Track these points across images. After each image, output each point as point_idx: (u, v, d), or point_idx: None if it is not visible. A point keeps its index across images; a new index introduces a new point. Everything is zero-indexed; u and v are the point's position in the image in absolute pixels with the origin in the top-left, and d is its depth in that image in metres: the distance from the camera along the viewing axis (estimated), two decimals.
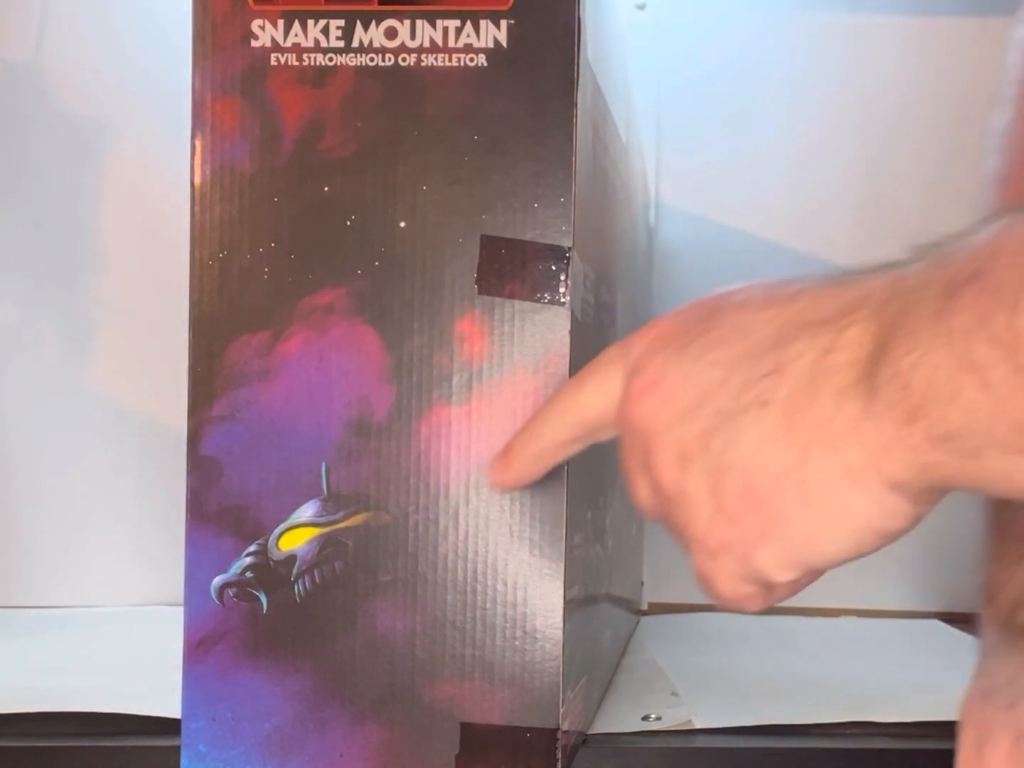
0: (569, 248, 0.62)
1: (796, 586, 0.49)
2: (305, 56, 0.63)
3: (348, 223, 0.63)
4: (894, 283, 0.43)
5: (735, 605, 0.48)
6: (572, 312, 0.62)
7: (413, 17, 0.62)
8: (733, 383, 0.45)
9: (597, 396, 0.51)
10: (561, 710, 0.63)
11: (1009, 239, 0.39)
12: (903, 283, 0.42)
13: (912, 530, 0.44)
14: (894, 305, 0.42)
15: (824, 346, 0.43)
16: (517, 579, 0.63)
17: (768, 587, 0.47)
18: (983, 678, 0.58)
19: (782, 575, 0.46)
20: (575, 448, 0.54)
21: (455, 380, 0.63)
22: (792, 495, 0.43)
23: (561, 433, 0.53)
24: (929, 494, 0.43)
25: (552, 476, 0.61)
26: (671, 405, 0.46)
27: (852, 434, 0.42)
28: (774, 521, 0.44)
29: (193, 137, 0.64)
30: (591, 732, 0.73)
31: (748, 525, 0.45)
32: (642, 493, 0.50)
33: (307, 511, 0.63)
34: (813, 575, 0.48)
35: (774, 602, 0.49)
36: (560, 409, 0.53)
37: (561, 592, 0.62)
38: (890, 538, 0.44)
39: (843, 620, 1.19)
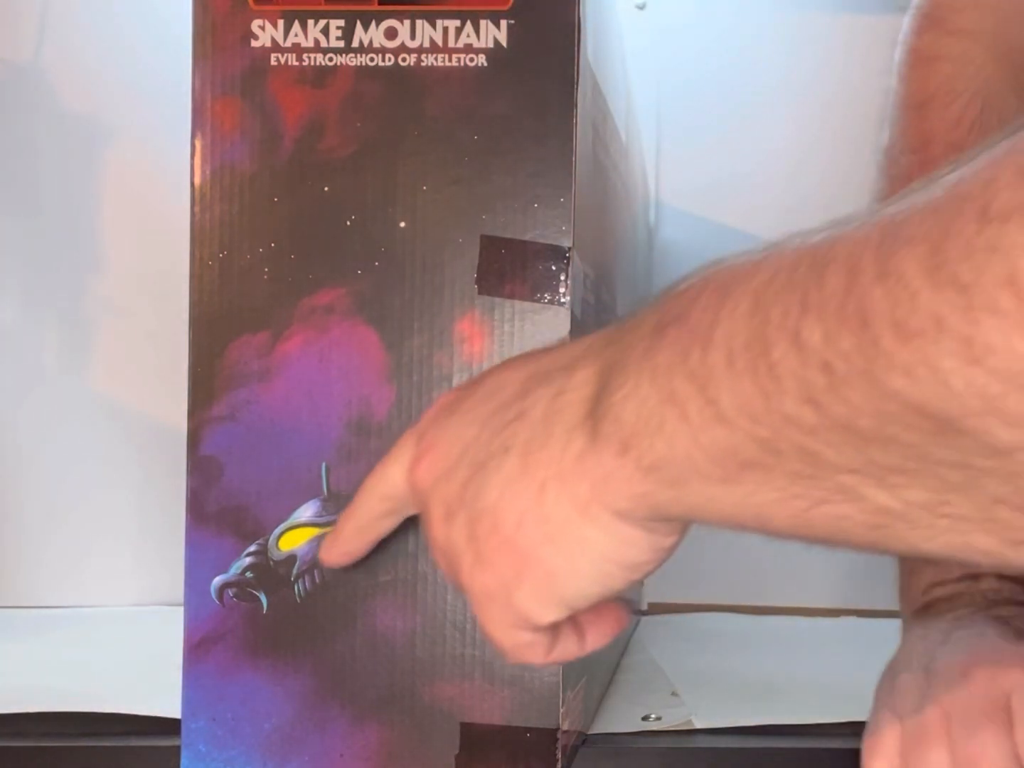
0: (569, 248, 0.62)
1: (584, 636, 0.51)
2: (305, 56, 0.63)
3: (348, 223, 0.63)
4: (615, 329, 0.46)
5: (518, 656, 0.49)
6: (572, 312, 0.62)
7: (413, 17, 0.62)
8: (484, 436, 0.47)
9: (395, 470, 0.53)
10: (561, 710, 0.63)
11: (709, 283, 0.42)
12: (622, 328, 0.45)
13: (663, 561, 0.46)
14: (615, 345, 0.45)
15: (557, 389, 0.46)
16: None
17: (544, 632, 0.49)
18: (896, 657, 0.62)
19: (544, 616, 0.47)
20: (390, 522, 0.57)
21: (455, 380, 0.63)
22: (536, 533, 0.45)
23: (373, 508, 0.56)
24: (659, 523, 0.45)
25: None
26: (437, 464, 0.49)
27: (578, 468, 0.44)
28: (524, 561, 0.46)
29: (193, 137, 0.64)
30: (591, 732, 0.73)
31: (503, 568, 0.46)
32: (436, 556, 0.52)
33: (307, 511, 0.63)
34: (600, 624, 0.50)
35: (564, 655, 0.50)
36: (370, 487, 0.55)
37: None
38: (637, 569, 0.46)
39: (843, 620, 1.19)
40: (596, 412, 0.44)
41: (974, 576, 0.67)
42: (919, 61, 0.75)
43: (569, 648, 0.50)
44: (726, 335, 0.40)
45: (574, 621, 0.49)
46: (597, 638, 0.51)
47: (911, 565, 0.71)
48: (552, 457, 0.45)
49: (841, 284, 0.37)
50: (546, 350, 0.50)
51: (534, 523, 0.45)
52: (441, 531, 0.49)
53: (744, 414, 0.39)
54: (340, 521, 0.57)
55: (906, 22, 0.76)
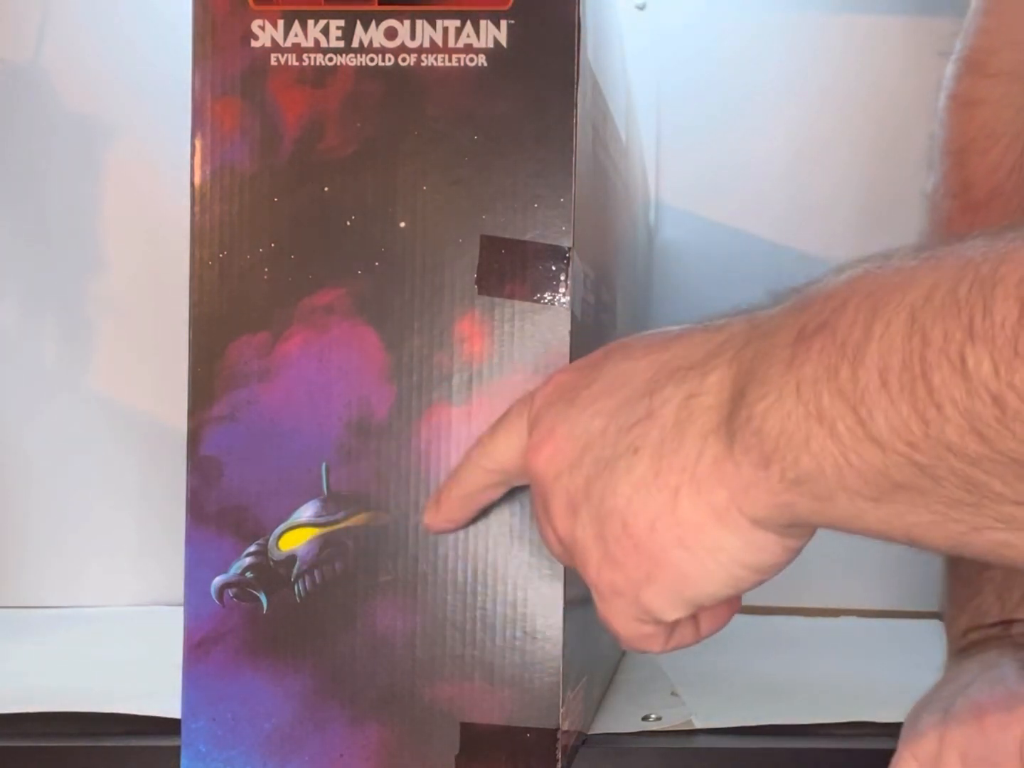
0: (569, 248, 0.62)
1: (699, 625, 0.51)
2: (305, 56, 0.63)
3: (348, 223, 0.63)
4: (751, 328, 0.45)
5: (637, 645, 0.50)
6: (572, 312, 0.62)
7: (413, 17, 0.62)
8: (611, 431, 0.47)
9: (505, 446, 0.54)
10: (561, 710, 0.63)
11: (856, 292, 0.41)
12: (759, 328, 0.44)
13: (791, 562, 0.46)
14: (750, 350, 0.44)
15: (689, 391, 0.45)
16: (517, 579, 0.63)
17: (666, 626, 0.49)
18: (922, 699, 0.62)
19: (671, 614, 0.48)
20: (496, 492, 0.58)
21: (455, 380, 0.63)
22: (668, 537, 0.45)
23: (480, 479, 0.56)
24: (794, 529, 0.45)
25: None
26: (560, 456, 0.49)
27: (714, 475, 0.44)
28: (655, 563, 0.46)
29: (193, 137, 0.64)
30: (591, 732, 0.73)
31: (632, 569, 0.47)
32: (549, 539, 0.52)
33: (307, 511, 0.63)
34: (717, 613, 0.51)
35: (681, 642, 0.51)
36: (477, 457, 0.56)
37: (561, 592, 0.62)
38: (766, 572, 0.46)
39: (843, 620, 1.19)
40: (733, 420, 0.43)
41: (1008, 622, 0.67)
42: (958, 106, 0.75)
43: (686, 636, 0.51)
44: (879, 353, 0.39)
45: None
46: (712, 625, 0.51)
47: (953, 611, 0.71)
48: (686, 462, 0.44)
49: (1013, 314, 0.35)
50: (671, 337, 0.48)
51: (666, 527, 0.45)
52: (564, 524, 0.49)
53: (900, 438, 0.38)
54: (443, 488, 0.58)
55: (948, 68, 0.76)
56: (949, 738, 0.58)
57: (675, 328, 0.50)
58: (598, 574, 0.48)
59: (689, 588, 0.46)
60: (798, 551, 0.46)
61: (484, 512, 0.61)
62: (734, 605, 0.51)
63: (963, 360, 0.36)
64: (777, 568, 0.46)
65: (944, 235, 0.73)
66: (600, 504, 0.47)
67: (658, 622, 0.48)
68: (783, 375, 0.42)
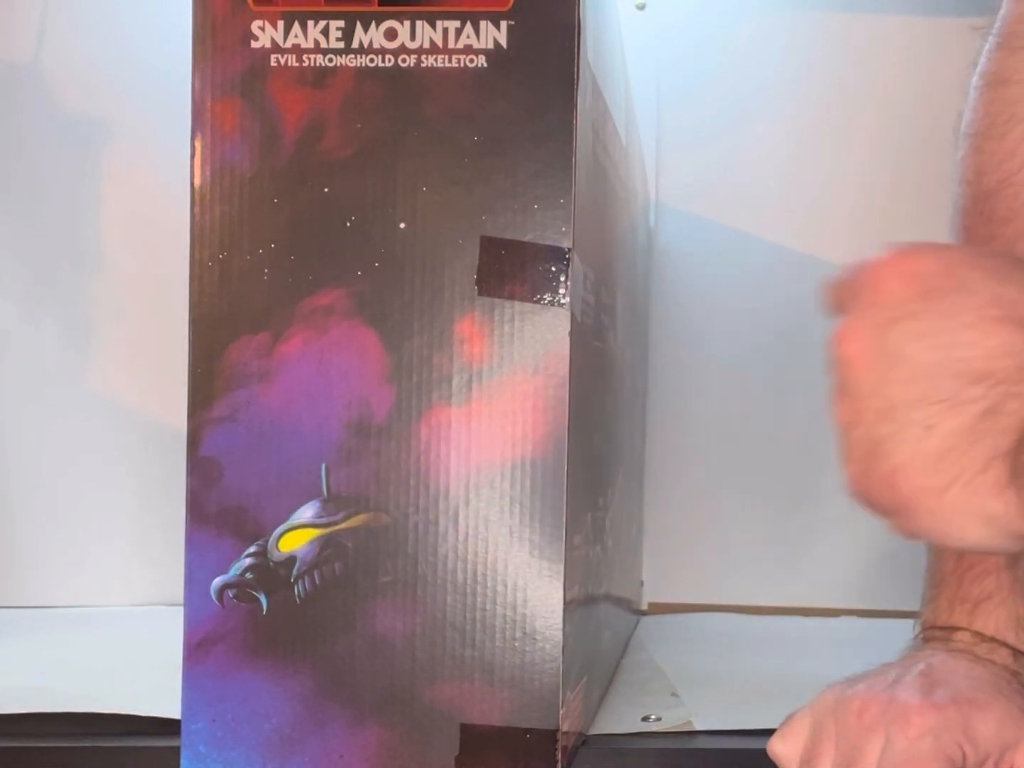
0: (569, 249, 0.62)
1: None
2: (305, 57, 0.63)
3: (348, 224, 0.63)
4: None
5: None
6: (572, 313, 0.62)
7: (413, 18, 0.62)
8: (913, 389, 0.50)
9: None
10: (561, 711, 0.63)
11: None
12: None
13: None
14: None
15: (992, 405, 0.49)
16: (517, 580, 0.63)
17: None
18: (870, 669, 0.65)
19: (899, 533, 0.53)
20: None
21: (455, 381, 0.63)
22: (927, 505, 0.50)
23: None
24: None
25: (552, 477, 0.61)
26: (863, 364, 0.51)
27: (995, 491, 0.49)
28: (904, 510, 0.51)
29: (193, 138, 0.64)
30: (591, 733, 0.73)
31: (883, 500, 0.51)
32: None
33: (307, 512, 0.63)
34: None
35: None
36: None
37: (561, 593, 0.62)
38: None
39: (843, 620, 1.19)
40: (1018, 457, 0.48)
41: (952, 628, 0.69)
42: (985, 84, 0.72)
43: None
44: None
45: None
46: None
47: (921, 603, 0.72)
48: (971, 467, 0.49)
49: None
50: (1020, 301, 0.50)
51: (929, 498, 0.50)
52: (843, 416, 0.52)
53: None
54: None
55: (983, 43, 0.73)
56: (836, 717, 0.61)
57: (1018, 266, 0.52)
58: (853, 477, 0.52)
59: (923, 534, 0.51)
60: None
61: (484, 514, 0.61)
62: None
63: None
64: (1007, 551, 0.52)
65: (957, 226, 0.72)
66: (879, 444, 0.50)
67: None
68: None
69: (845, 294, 0.53)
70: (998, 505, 0.49)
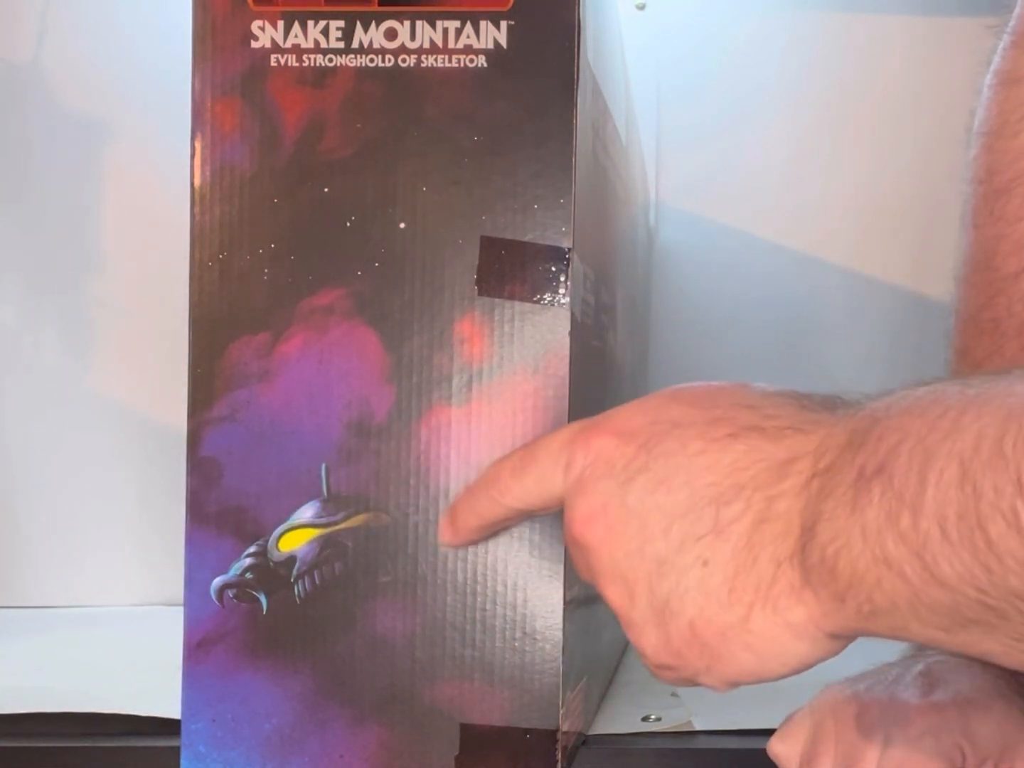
0: (569, 249, 0.62)
1: None
2: (305, 57, 0.63)
3: (348, 224, 0.63)
4: (814, 458, 0.46)
5: (663, 679, 0.52)
6: (572, 313, 0.62)
7: (413, 18, 0.62)
8: (674, 535, 0.48)
9: (536, 491, 0.54)
10: (561, 711, 0.63)
11: (907, 435, 0.42)
12: (821, 461, 0.46)
13: None
14: (815, 484, 0.45)
15: (758, 515, 0.47)
16: (517, 580, 0.63)
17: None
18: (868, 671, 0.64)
19: (718, 690, 0.51)
20: (515, 523, 0.59)
21: (455, 381, 0.63)
22: (737, 643, 0.48)
23: (501, 513, 0.56)
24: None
25: None
26: (615, 539, 0.50)
27: (791, 598, 0.46)
28: (718, 659, 0.48)
29: (193, 138, 0.64)
30: (591, 733, 0.73)
31: (694, 659, 0.49)
32: (603, 586, 0.53)
33: (307, 512, 0.63)
34: None
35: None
36: (500, 494, 0.55)
37: (561, 593, 0.62)
38: (820, 662, 0.49)
39: None
40: (806, 557, 0.45)
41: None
42: (999, 83, 0.72)
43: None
44: (936, 503, 0.40)
45: None
46: None
47: None
48: (761, 584, 0.46)
49: None
50: (727, 433, 0.49)
51: (738, 635, 0.47)
52: (618, 600, 0.50)
53: (967, 584, 0.40)
54: (460, 512, 0.58)
55: (998, 42, 0.72)
56: (836, 717, 0.60)
57: (724, 406, 0.50)
58: (655, 653, 0.50)
59: (744, 677, 0.49)
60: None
61: None
62: None
63: (1016, 515, 0.38)
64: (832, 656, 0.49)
65: (967, 224, 0.72)
66: (665, 604, 0.48)
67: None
68: (848, 517, 0.43)
69: (564, 480, 0.52)
70: (800, 612, 0.46)
